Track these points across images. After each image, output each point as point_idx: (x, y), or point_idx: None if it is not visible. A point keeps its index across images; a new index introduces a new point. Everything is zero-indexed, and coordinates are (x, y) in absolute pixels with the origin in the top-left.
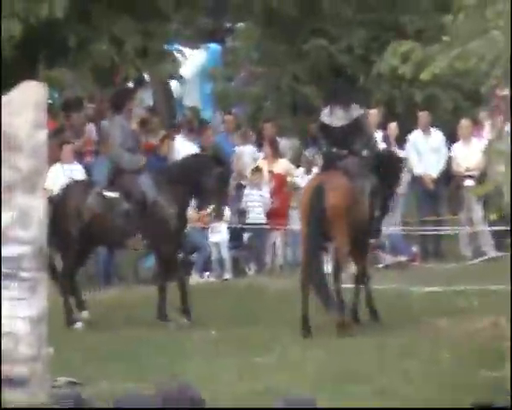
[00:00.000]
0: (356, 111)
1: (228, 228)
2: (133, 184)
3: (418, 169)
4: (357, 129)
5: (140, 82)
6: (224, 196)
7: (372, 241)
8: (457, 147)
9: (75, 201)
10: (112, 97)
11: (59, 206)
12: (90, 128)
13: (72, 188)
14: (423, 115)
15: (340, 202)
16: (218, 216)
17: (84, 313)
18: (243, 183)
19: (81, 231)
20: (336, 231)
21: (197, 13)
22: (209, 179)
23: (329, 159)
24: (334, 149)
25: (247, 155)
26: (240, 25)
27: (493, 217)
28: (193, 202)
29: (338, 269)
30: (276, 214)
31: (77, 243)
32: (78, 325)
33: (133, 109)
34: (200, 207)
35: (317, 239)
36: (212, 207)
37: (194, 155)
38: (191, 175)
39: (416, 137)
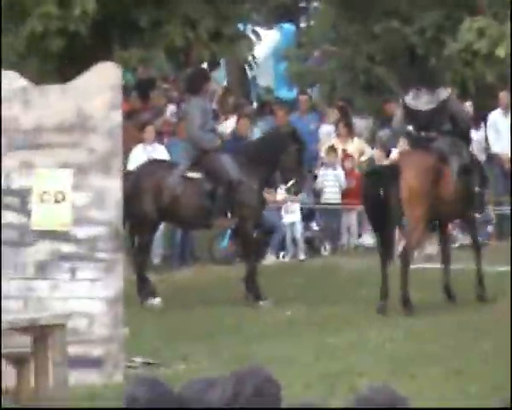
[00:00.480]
0: (442, 93)
1: (302, 208)
2: (217, 164)
3: (496, 148)
4: (444, 111)
5: (214, 63)
6: (303, 172)
7: (478, 216)
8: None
9: (155, 180)
10: (188, 79)
11: (137, 183)
12: (171, 109)
13: (151, 166)
14: (503, 95)
15: (418, 186)
16: (298, 192)
17: (157, 300)
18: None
19: (160, 211)
20: (410, 215)
21: None
22: (287, 156)
23: (418, 142)
24: (423, 133)
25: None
26: (314, 4)
27: None
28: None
29: (403, 255)
30: (351, 194)
31: (154, 222)
32: (153, 301)
33: (209, 90)
34: (276, 185)
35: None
36: (291, 183)
37: (272, 134)
38: (270, 153)
39: (495, 116)
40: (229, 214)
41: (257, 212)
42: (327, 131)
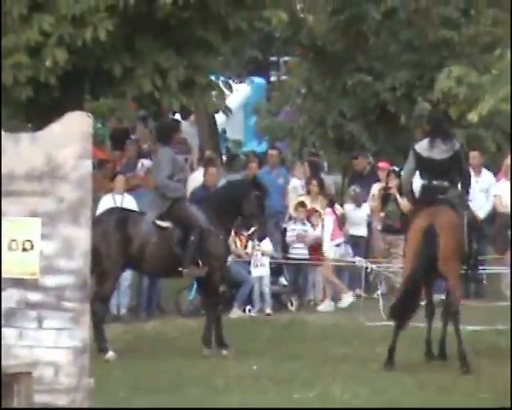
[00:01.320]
0: (456, 144)
1: (271, 263)
2: (187, 212)
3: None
4: (456, 161)
5: (185, 114)
6: (263, 217)
7: (471, 274)
8: (502, 185)
9: (125, 228)
10: (157, 129)
11: (105, 231)
12: (144, 163)
13: (118, 214)
14: (475, 156)
15: (454, 243)
16: (260, 238)
17: (111, 354)
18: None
19: (129, 260)
20: (450, 272)
21: (244, 46)
22: (248, 203)
23: (431, 192)
24: (435, 182)
25: (293, 189)
26: (285, 59)
27: None
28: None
29: (453, 311)
30: (318, 250)
31: (120, 271)
32: (110, 354)
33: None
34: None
35: (424, 277)
36: (252, 229)
37: (233, 182)
38: (231, 201)
39: None
40: (200, 263)
41: (224, 262)
42: (294, 186)
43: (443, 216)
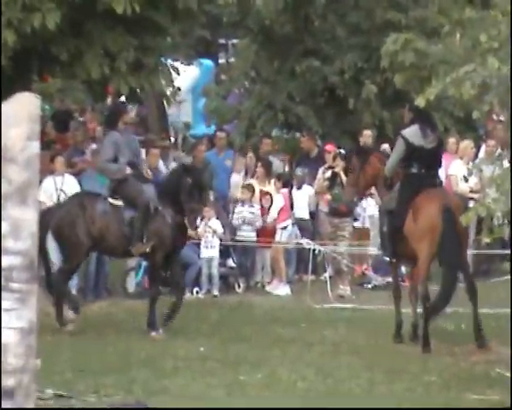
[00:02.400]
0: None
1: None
2: (134, 191)
3: None
4: (440, 150)
5: (134, 96)
6: (195, 206)
7: None
8: (457, 166)
9: (87, 208)
10: (106, 113)
11: (69, 213)
12: (93, 147)
13: (82, 196)
14: (466, 145)
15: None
16: (192, 228)
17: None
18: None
19: (92, 239)
20: (465, 250)
21: (193, 27)
22: (182, 189)
23: (422, 180)
24: (426, 170)
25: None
26: (234, 41)
27: (486, 240)
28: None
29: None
30: (266, 232)
31: (87, 250)
32: (70, 327)
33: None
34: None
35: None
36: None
37: (177, 167)
38: (172, 186)
39: (457, 165)
40: (144, 240)
41: (167, 243)
42: (235, 181)
43: (451, 197)
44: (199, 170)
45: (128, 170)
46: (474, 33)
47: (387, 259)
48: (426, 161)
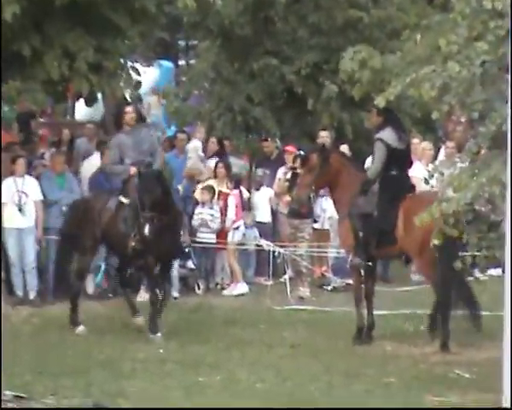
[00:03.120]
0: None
1: None
2: (133, 190)
3: None
4: (409, 151)
5: (92, 97)
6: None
7: None
8: (417, 168)
9: (99, 205)
10: (113, 116)
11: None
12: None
13: (95, 196)
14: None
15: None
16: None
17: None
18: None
19: (101, 236)
20: None
21: (153, 29)
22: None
23: (401, 182)
24: (401, 172)
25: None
26: (194, 43)
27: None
28: None
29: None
30: (225, 234)
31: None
32: (80, 329)
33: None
34: None
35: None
36: None
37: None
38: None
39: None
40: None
41: (154, 245)
42: (195, 145)
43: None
44: (146, 179)
45: (133, 170)
46: (433, 39)
47: (358, 263)
48: (402, 163)
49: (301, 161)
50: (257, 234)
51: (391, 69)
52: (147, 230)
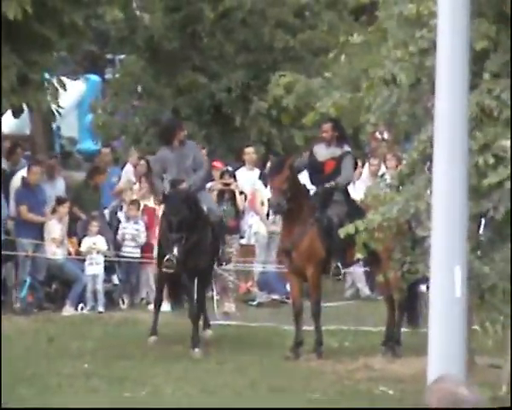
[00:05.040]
0: (340, 149)
1: (104, 261)
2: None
3: None
4: (340, 164)
5: (18, 110)
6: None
7: None
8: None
9: None
10: (160, 130)
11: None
12: None
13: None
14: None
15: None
16: None
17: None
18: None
19: None
20: None
21: (81, 42)
22: None
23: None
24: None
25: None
26: (121, 57)
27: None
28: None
29: None
30: (150, 249)
31: None
32: (152, 339)
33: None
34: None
35: None
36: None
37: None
38: None
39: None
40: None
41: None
42: (126, 170)
43: None
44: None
45: (166, 190)
46: (359, 62)
47: None
48: (325, 175)
49: (232, 178)
50: None
51: (316, 92)
52: (175, 251)
